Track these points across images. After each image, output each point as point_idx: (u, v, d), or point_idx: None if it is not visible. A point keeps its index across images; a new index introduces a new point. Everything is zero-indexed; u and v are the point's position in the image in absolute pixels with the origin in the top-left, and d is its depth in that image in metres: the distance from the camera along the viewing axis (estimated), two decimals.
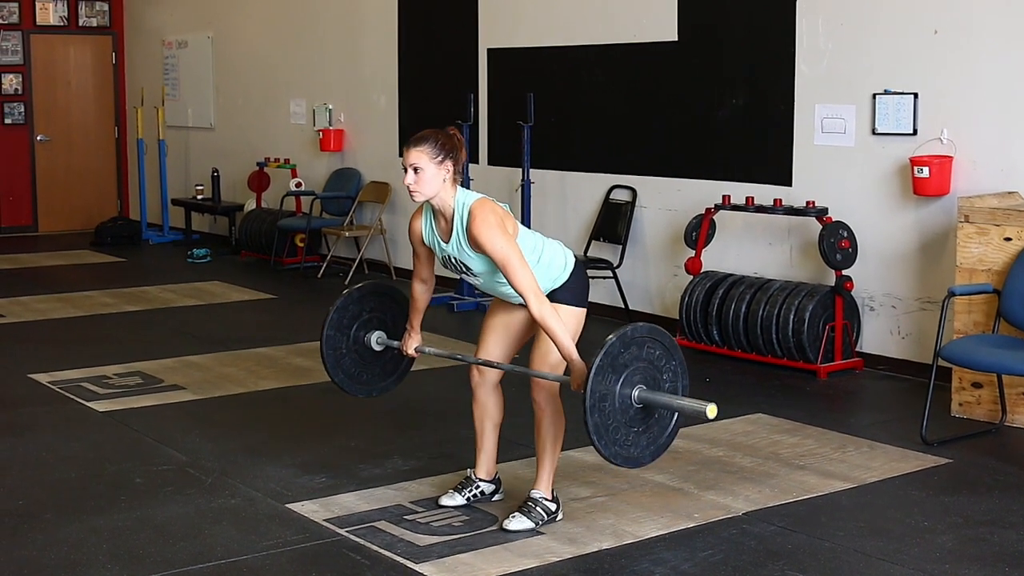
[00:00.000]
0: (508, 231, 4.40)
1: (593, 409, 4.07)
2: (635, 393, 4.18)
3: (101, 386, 6.90)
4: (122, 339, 8.28)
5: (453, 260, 4.57)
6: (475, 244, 4.41)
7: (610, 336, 4.13)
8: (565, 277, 4.59)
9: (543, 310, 4.32)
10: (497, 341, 4.77)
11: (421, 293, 4.85)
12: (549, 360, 4.56)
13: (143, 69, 14.51)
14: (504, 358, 4.78)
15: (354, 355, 5.04)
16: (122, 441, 5.89)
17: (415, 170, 4.42)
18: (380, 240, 10.93)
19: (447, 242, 4.53)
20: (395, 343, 5.01)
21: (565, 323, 4.46)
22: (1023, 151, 6.56)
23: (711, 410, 4.08)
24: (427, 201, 4.51)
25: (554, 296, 4.55)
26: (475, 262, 4.50)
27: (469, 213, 4.41)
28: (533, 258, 4.49)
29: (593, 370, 4.07)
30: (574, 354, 4.33)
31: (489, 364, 4.74)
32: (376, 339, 5.04)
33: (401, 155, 4.54)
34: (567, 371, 4.43)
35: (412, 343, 4.95)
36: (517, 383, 4.98)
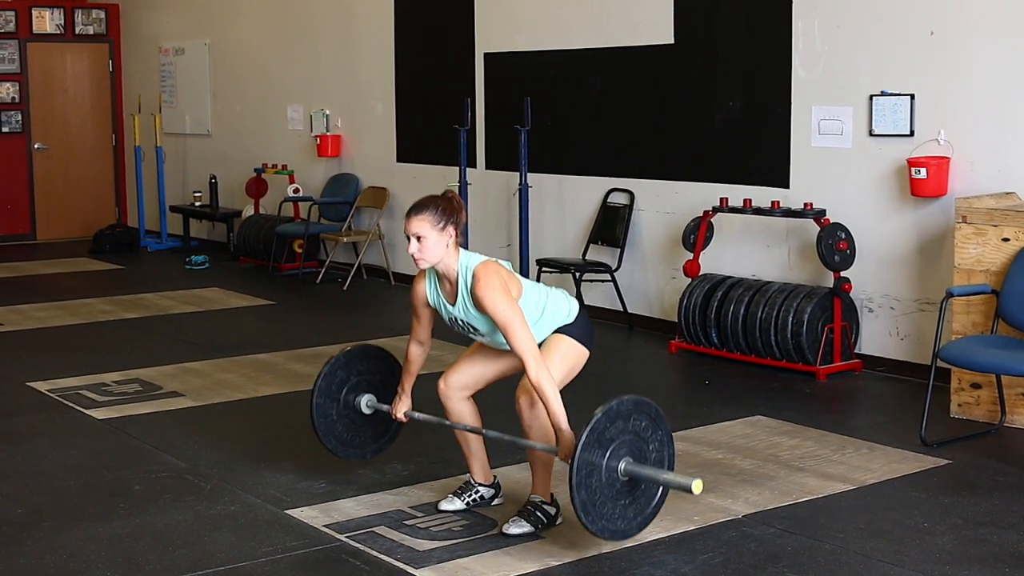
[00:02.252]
0: (511, 293, 4.45)
1: (580, 486, 4.11)
2: (622, 466, 4.24)
3: (100, 393, 6.90)
4: (121, 346, 8.28)
5: (460, 322, 4.62)
6: (479, 306, 4.45)
7: (596, 411, 4.19)
8: (570, 321, 4.66)
9: (540, 376, 4.35)
10: (479, 363, 4.81)
11: (417, 356, 4.89)
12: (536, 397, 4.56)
13: (140, 76, 14.51)
14: (481, 381, 4.83)
15: (345, 420, 5.11)
16: (121, 448, 5.88)
17: (418, 238, 4.45)
18: (378, 245, 10.93)
19: (453, 304, 4.59)
20: (384, 407, 5.06)
21: (564, 351, 4.57)
22: (1020, 152, 6.56)
23: (696, 486, 4.14)
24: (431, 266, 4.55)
25: (559, 331, 4.62)
26: (481, 323, 4.55)
27: (473, 276, 4.46)
28: (536, 312, 4.56)
29: (580, 446, 4.11)
30: (564, 424, 4.37)
31: (476, 431, 4.80)
32: (366, 402, 5.10)
33: (404, 219, 4.56)
34: (557, 440, 4.46)
35: (402, 407, 4.98)
36: (505, 385, 4.96)
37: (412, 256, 4.49)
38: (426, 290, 4.69)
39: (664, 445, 4.38)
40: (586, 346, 4.67)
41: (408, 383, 4.96)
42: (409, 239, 4.49)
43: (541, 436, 4.58)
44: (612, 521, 4.23)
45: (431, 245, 4.46)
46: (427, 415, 4.97)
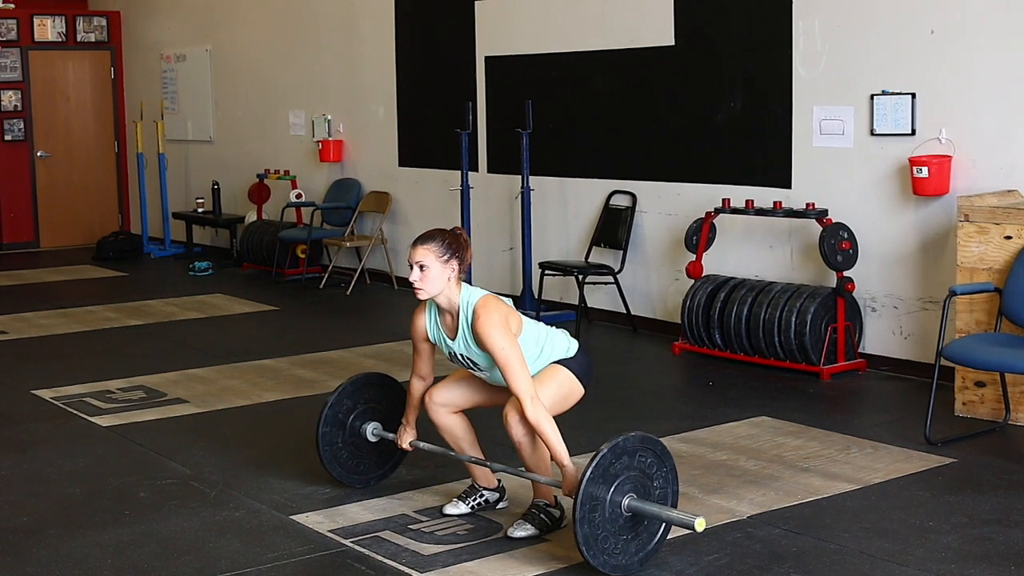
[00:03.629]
0: (511, 330, 4.46)
1: (583, 520, 4.12)
2: (625, 502, 4.24)
3: (104, 401, 6.90)
4: (125, 353, 8.29)
5: (460, 356, 4.62)
6: (479, 342, 4.45)
7: (602, 447, 4.19)
8: (569, 355, 4.66)
9: (538, 415, 4.36)
10: (469, 385, 4.82)
11: (419, 391, 4.90)
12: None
13: (142, 83, 14.52)
14: (468, 402, 4.84)
15: (350, 447, 5.14)
16: (126, 455, 5.89)
17: (420, 267, 4.47)
18: (381, 250, 10.93)
19: (453, 339, 4.59)
20: (390, 435, 5.08)
21: (560, 380, 4.58)
22: (1022, 150, 6.56)
23: (699, 524, 4.13)
24: (431, 299, 4.55)
25: (558, 361, 4.63)
26: (481, 359, 4.56)
27: (474, 312, 4.46)
28: (535, 350, 4.57)
29: (585, 482, 4.11)
30: (567, 460, 4.37)
31: (480, 463, 4.81)
32: (372, 430, 5.13)
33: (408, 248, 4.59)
34: (558, 471, 4.47)
35: (407, 438, 5.01)
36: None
37: (412, 284, 4.50)
38: (426, 325, 4.70)
39: (668, 482, 4.39)
40: (582, 382, 4.67)
41: (412, 416, 4.99)
42: (412, 267, 4.50)
43: (531, 452, 4.58)
44: (613, 556, 4.23)
45: (433, 276, 4.47)
46: (432, 445, 4.99)
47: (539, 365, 4.58)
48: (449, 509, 4.92)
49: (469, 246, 4.61)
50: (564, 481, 4.38)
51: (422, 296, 4.54)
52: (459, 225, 4.94)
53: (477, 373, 4.70)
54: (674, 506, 4.40)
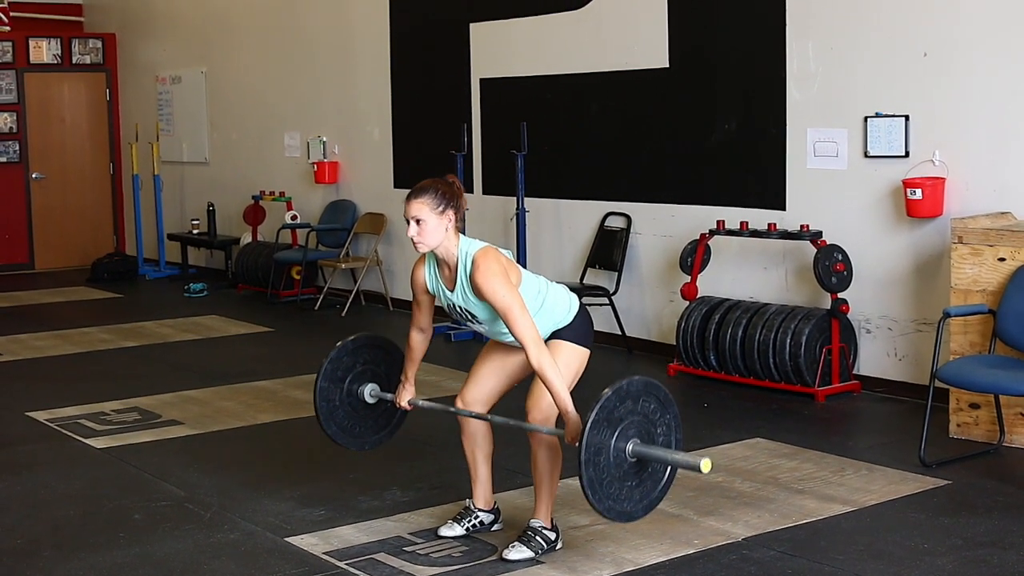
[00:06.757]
0: (511, 280, 4.43)
1: (588, 463, 4.08)
2: (630, 447, 4.20)
3: (99, 423, 6.89)
4: (120, 375, 8.28)
5: (458, 308, 4.60)
6: (478, 292, 4.43)
7: (605, 390, 4.15)
8: (569, 320, 4.63)
9: (542, 360, 4.34)
10: (490, 375, 4.78)
11: (419, 343, 4.86)
12: (542, 405, 4.56)
13: (137, 105, 14.55)
14: (495, 393, 4.80)
15: (347, 407, 5.06)
16: (121, 477, 5.88)
17: (417, 222, 4.45)
18: (376, 271, 10.94)
19: (452, 290, 4.57)
20: (389, 396, 5.04)
21: (567, 360, 4.53)
22: (1015, 171, 6.59)
23: (705, 464, 4.11)
24: (430, 250, 4.53)
25: (558, 334, 4.60)
26: (480, 310, 4.53)
27: (472, 262, 4.45)
28: (536, 303, 4.52)
29: (589, 424, 4.08)
30: (570, 407, 4.34)
31: (481, 417, 4.76)
32: (370, 391, 5.06)
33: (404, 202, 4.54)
34: (559, 422, 4.45)
35: (406, 395, 4.96)
36: (511, 412, 4.97)
37: (411, 239, 4.47)
38: (425, 276, 4.67)
39: (672, 429, 4.34)
40: (586, 345, 4.64)
41: (411, 370, 4.93)
42: (408, 222, 4.47)
43: (545, 459, 4.58)
44: (619, 502, 4.19)
45: (430, 229, 4.44)
46: (431, 402, 4.95)
47: (541, 318, 4.51)
48: (444, 531, 4.91)
49: (463, 194, 4.57)
50: (567, 428, 4.32)
51: (422, 249, 4.50)
52: (452, 173, 4.89)
53: (475, 326, 4.65)
54: None
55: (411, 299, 4.83)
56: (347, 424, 5.06)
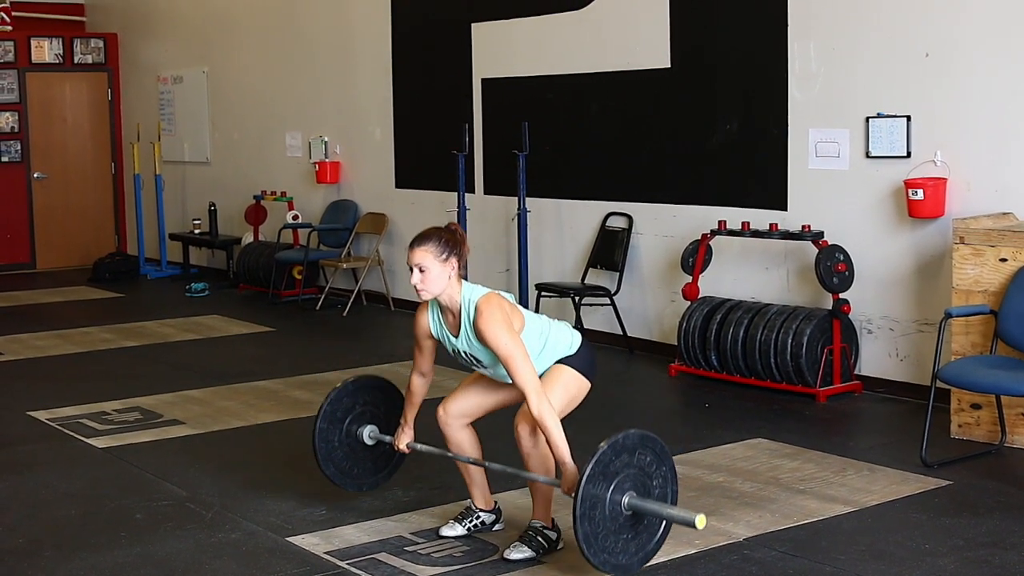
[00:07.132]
0: (514, 326, 4.46)
1: (583, 518, 4.10)
2: (625, 500, 4.22)
3: (100, 422, 6.90)
4: (121, 375, 8.28)
5: (463, 353, 4.63)
6: (482, 339, 4.46)
7: (602, 444, 4.17)
8: (571, 352, 4.66)
9: (543, 409, 4.35)
10: (479, 392, 4.82)
11: (419, 387, 4.90)
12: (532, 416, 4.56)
13: (139, 105, 14.55)
14: (479, 410, 4.83)
15: (346, 448, 5.11)
16: (122, 477, 5.88)
17: (420, 270, 4.47)
18: (378, 271, 10.94)
19: (456, 336, 4.59)
20: (387, 438, 5.07)
21: (565, 382, 4.58)
22: (1017, 172, 6.58)
23: (700, 521, 4.12)
24: (433, 297, 4.56)
25: (560, 360, 4.62)
26: (484, 355, 4.56)
27: (476, 309, 4.47)
28: (539, 344, 4.56)
29: (584, 478, 4.10)
30: (567, 457, 4.35)
31: (478, 463, 4.79)
32: (368, 433, 5.10)
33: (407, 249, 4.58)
34: (558, 473, 4.46)
35: (404, 439, 4.99)
36: (501, 424, 4.98)
37: (414, 287, 4.50)
38: (429, 322, 4.70)
39: (668, 481, 4.37)
40: (588, 378, 4.67)
41: (411, 414, 4.97)
42: (412, 270, 4.50)
43: (540, 464, 4.58)
44: (614, 555, 4.22)
45: (433, 277, 4.47)
46: (429, 447, 4.98)
47: (543, 359, 4.57)
48: (445, 531, 4.92)
49: (465, 241, 4.60)
50: (564, 479, 4.35)
51: (426, 297, 4.53)
52: (454, 220, 4.91)
53: (481, 370, 4.69)
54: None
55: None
56: (345, 465, 5.12)
